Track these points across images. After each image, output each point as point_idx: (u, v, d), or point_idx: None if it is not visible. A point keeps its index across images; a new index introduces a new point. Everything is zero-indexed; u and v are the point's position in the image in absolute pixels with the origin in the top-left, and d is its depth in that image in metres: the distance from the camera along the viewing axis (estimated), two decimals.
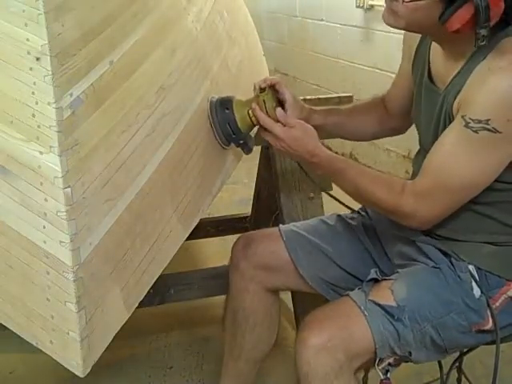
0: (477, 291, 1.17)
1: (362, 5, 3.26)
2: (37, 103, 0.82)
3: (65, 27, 0.84)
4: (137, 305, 0.98)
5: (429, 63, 1.25)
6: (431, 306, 1.16)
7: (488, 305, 1.17)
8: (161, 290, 1.71)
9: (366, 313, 1.13)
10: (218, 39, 1.50)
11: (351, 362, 1.12)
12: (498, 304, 1.19)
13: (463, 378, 1.47)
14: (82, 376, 0.87)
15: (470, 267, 1.19)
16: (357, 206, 1.44)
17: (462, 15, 1.02)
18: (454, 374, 1.41)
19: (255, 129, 1.34)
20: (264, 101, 1.26)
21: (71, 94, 0.84)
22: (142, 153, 0.99)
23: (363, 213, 1.44)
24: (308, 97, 1.82)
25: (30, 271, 0.86)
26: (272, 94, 1.28)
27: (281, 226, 1.45)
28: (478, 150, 1.09)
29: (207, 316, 2.11)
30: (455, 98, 1.12)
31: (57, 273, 0.84)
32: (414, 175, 1.34)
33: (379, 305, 1.14)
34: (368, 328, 1.13)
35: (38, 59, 0.82)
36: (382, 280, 1.20)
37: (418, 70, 1.29)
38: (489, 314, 1.17)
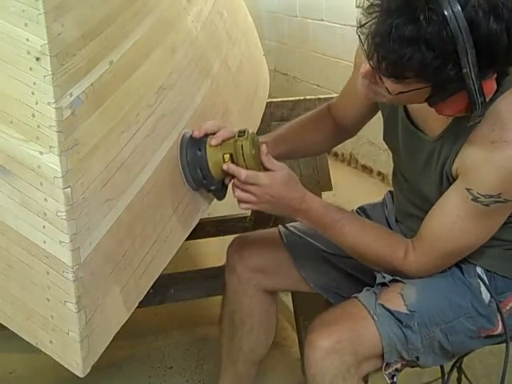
0: (486, 296, 1.17)
1: (362, 5, 3.25)
2: (37, 103, 0.82)
3: (65, 27, 0.84)
4: (137, 305, 0.98)
5: None
6: (441, 310, 1.15)
7: (498, 310, 1.17)
8: (161, 290, 1.71)
9: (375, 317, 1.13)
10: (218, 39, 1.50)
11: (359, 366, 1.12)
12: (508, 308, 1.19)
13: (463, 378, 1.47)
14: (81, 376, 0.87)
15: (479, 270, 1.19)
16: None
17: (454, 103, 0.98)
18: (454, 373, 1.41)
19: None
20: (242, 146, 1.09)
21: (71, 94, 0.84)
22: (142, 153, 0.99)
23: (361, 213, 1.44)
24: (308, 97, 1.83)
25: (29, 271, 0.86)
26: (252, 138, 1.11)
27: (280, 226, 1.44)
28: (488, 219, 1.09)
29: (207, 316, 2.11)
30: (453, 161, 1.09)
31: (57, 273, 0.83)
32: (398, 198, 1.35)
33: (389, 310, 1.13)
34: (377, 332, 1.12)
35: (37, 59, 0.81)
36: (392, 282, 1.19)
37: None
38: (499, 318, 1.17)
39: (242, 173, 1.10)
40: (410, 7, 0.91)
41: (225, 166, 1.10)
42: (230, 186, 1.17)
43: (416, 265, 1.15)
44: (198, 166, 1.11)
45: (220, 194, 1.17)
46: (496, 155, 1.02)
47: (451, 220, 1.10)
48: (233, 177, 1.13)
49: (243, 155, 1.09)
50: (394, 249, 1.16)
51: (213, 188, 1.14)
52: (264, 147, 1.13)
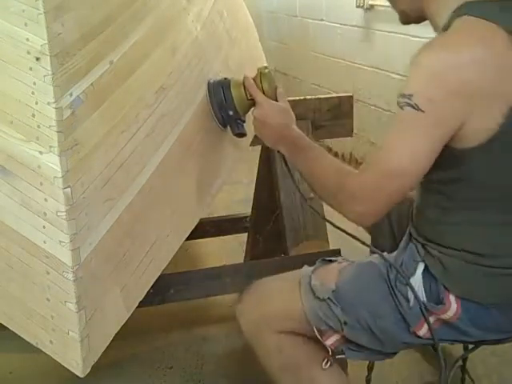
0: (412, 300, 1.13)
1: (361, 5, 3.26)
2: (37, 103, 0.82)
3: (65, 27, 0.84)
4: (137, 305, 0.98)
5: None
6: (366, 289, 1.18)
7: (423, 314, 1.11)
8: (161, 290, 1.70)
9: (302, 289, 1.19)
10: (218, 39, 1.50)
11: (283, 328, 1.22)
12: (442, 316, 1.12)
13: (466, 378, 1.47)
14: (81, 376, 0.87)
15: (421, 267, 1.14)
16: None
17: None
18: (457, 373, 1.41)
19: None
20: (261, 78, 1.26)
21: (71, 94, 0.84)
22: (142, 153, 0.99)
23: None
24: (308, 97, 1.82)
25: (29, 271, 0.86)
26: (271, 74, 1.28)
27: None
28: (404, 130, 1.03)
29: (207, 316, 2.11)
30: None
31: (57, 273, 0.84)
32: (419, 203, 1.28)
33: (312, 284, 1.20)
34: (300, 302, 1.19)
35: (37, 59, 0.82)
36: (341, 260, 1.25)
37: None
38: (423, 320, 1.12)
39: (259, 95, 1.25)
40: None
41: (246, 81, 1.27)
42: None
43: (358, 184, 1.07)
44: (224, 101, 1.27)
45: (243, 128, 1.31)
46: (420, 55, 1.01)
47: (387, 134, 1.06)
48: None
49: (262, 86, 1.26)
50: (345, 174, 1.11)
51: (238, 121, 1.29)
52: (280, 87, 1.29)
